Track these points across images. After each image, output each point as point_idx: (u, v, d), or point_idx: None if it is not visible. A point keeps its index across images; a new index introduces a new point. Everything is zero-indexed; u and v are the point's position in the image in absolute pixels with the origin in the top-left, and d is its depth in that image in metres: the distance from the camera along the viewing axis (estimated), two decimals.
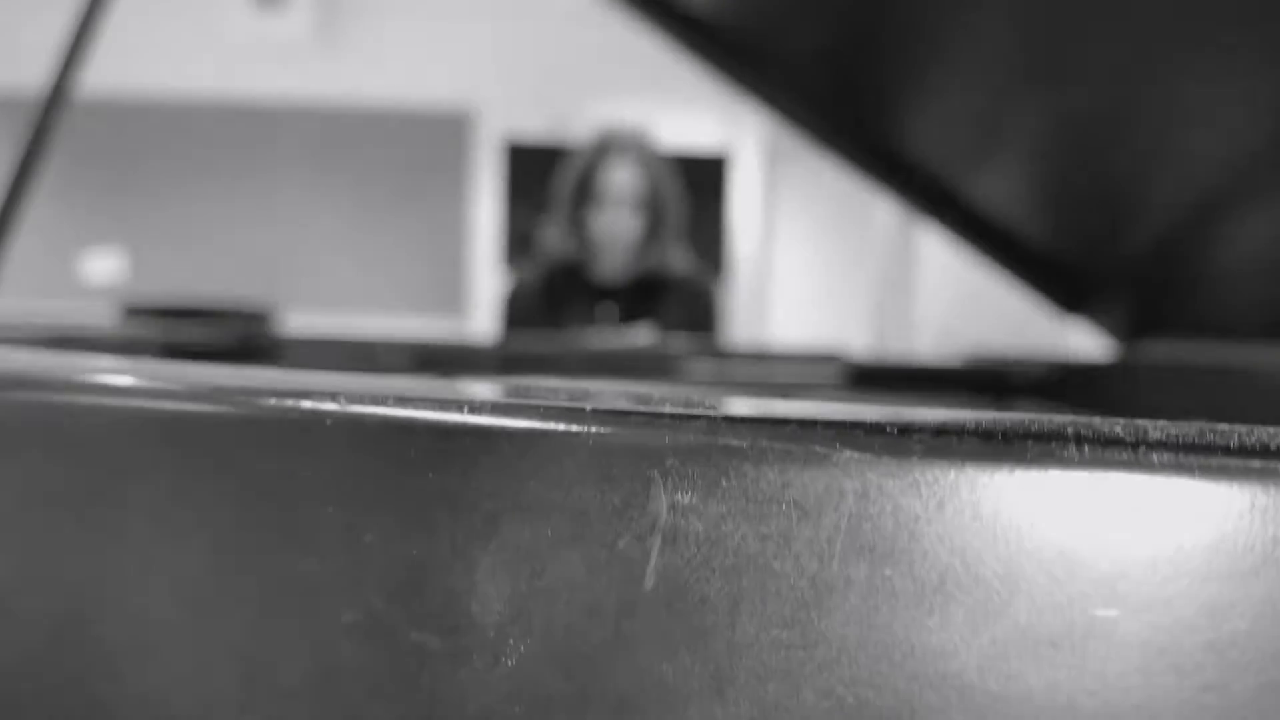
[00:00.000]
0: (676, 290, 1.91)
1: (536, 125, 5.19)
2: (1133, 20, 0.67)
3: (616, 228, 1.78)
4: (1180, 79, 0.69)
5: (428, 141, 5.25)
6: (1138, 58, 0.70)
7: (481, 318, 5.15)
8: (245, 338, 1.24)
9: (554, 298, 1.88)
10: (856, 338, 5.74)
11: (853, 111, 1.00)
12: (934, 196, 1.03)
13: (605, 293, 1.88)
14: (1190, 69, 0.67)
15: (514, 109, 5.20)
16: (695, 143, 4.78)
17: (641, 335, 1.85)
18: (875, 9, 0.85)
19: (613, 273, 1.86)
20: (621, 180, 1.77)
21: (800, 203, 5.61)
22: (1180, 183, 0.80)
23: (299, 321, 4.60)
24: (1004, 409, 1.00)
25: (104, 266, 5.12)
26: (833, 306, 5.72)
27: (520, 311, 1.90)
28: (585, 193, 1.79)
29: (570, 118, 5.16)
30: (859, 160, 1.02)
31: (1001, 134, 0.92)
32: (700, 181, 4.32)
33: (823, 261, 5.73)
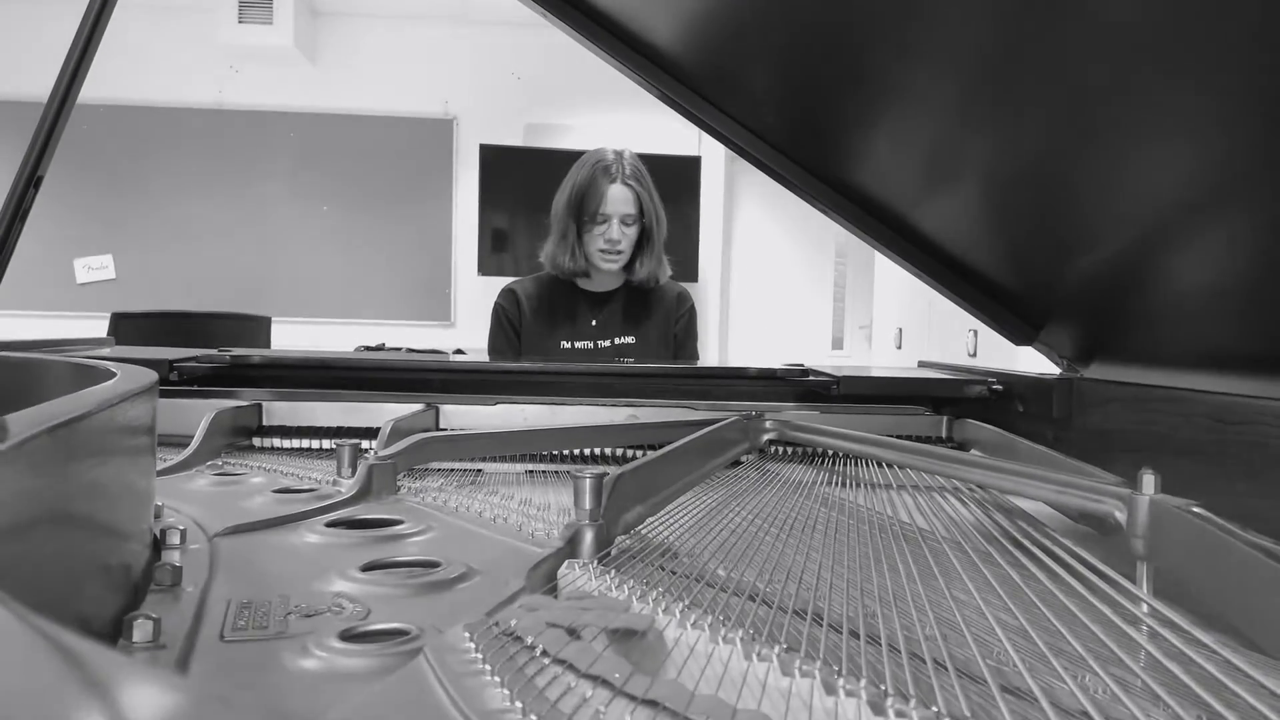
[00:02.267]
0: (663, 300, 2.02)
1: (513, 133, 5.24)
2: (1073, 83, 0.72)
3: (609, 240, 1.88)
4: (1115, 136, 0.74)
5: (412, 149, 5.26)
6: (1079, 116, 0.75)
7: (466, 319, 5.20)
8: (235, 357, 1.28)
9: (546, 305, 1.98)
10: (815, 343, 5.81)
11: (807, 147, 1.06)
12: (892, 234, 1.08)
13: (596, 301, 1.98)
14: (1124, 128, 0.72)
15: (493, 117, 5.24)
16: (670, 144, 4.83)
17: (622, 350, 1.97)
18: (828, 54, 0.89)
19: (604, 282, 1.97)
20: (615, 196, 1.87)
21: (759, 208, 5.68)
22: (1118, 235, 0.86)
23: (285, 330, 4.59)
24: (953, 423, 1.06)
25: (95, 273, 5.11)
26: (791, 312, 5.80)
27: (513, 317, 1.99)
28: (580, 207, 1.89)
29: (545, 124, 5.21)
30: (815, 193, 1.08)
31: (953, 179, 0.98)
32: (675, 181, 4.35)
33: (782, 266, 5.80)
